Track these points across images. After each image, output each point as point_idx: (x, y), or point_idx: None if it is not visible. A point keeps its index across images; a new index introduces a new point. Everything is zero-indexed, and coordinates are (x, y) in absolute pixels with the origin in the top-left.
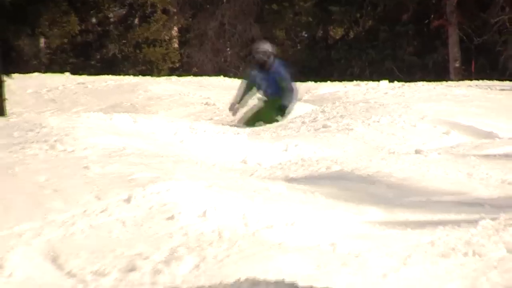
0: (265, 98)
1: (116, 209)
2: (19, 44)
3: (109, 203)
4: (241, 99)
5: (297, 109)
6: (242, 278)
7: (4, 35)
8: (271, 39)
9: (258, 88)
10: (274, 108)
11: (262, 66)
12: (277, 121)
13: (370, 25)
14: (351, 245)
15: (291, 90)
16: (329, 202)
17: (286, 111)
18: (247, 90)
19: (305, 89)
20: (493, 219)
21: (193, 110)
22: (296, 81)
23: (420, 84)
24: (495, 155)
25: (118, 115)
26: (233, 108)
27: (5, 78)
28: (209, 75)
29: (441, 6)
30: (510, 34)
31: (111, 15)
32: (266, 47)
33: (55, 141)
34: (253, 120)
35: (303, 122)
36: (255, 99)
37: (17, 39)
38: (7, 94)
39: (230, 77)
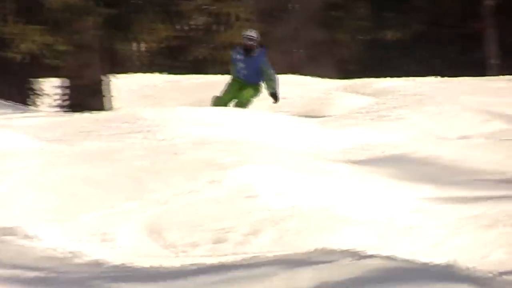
0: (242, 80)
1: (206, 189)
2: (123, 49)
3: (201, 184)
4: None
5: (357, 101)
6: (315, 248)
7: (110, 41)
8: (335, 41)
9: (238, 71)
10: (253, 92)
11: (248, 51)
12: (249, 103)
13: (419, 28)
14: (407, 218)
15: (275, 76)
16: (387, 181)
17: (276, 95)
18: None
19: (364, 84)
20: None
21: (268, 103)
22: (356, 77)
23: (462, 79)
24: None
25: (205, 109)
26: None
27: (111, 78)
28: (282, 73)
29: (480, 10)
30: None
31: (196, 23)
32: (254, 34)
33: (154, 131)
34: (227, 99)
35: (363, 113)
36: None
37: (121, 44)
38: (112, 92)
39: (300, 74)
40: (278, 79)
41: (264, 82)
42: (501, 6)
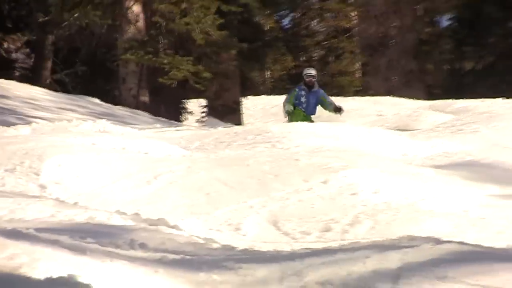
0: (303, 113)
1: (317, 188)
2: (252, 75)
3: (312, 184)
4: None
5: (440, 118)
6: (403, 235)
7: (242, 70)
8: (423, 70)
9: (298, 105)
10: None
11: (310, 87)
12: None
13: (491, 59)
14: (478, 211)
15: (330, 102)
16: (462, 182)
17: (340, 108)
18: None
19: (446, 104)
20: None
21: (369, 119)
22: (439, 99)
23: None
24: None
25: (319, 124)
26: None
27: (242, 99)
28: (381, 95)
29: None
30: None
31: (315, 54)
32: (314, 71)
33: (276, 141)
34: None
35: (444, 127)
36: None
37: (251, 72)
38: (243, 110)
39: (395, 96)
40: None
41: (326, 106)
42: None
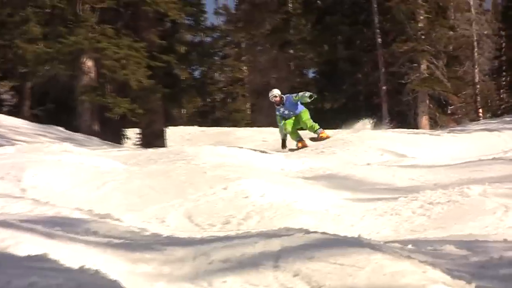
0: (292, 116)
1: (219, 192)
2: (172, 112)
3: (216, 190)
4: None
5: (308, 142)
6: (282, 227)
7: (165, 107)
8: None
9: (287, 117)
10: (303, 115)
11: (280, 103)
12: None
13: (343, 101)
14: (336, 210)
15: (304, 93)
16: (324, 189)
17: (312, 95)
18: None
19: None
20: (404, 196)
21: (257, 144)
22: None
23: (368, 131)
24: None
25: (220, 147)
26: (284, 145)
27: (166, 129)
28: (265, 126)
29: (379, 91)
30: None
31: (217, 97)
32: (275, 92)
33: (190, 159)
34: (295, 132)
35: (311, 150)
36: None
37: (172, 109)
38: (166, 136)
39: (276, 127)
40: (281, 129)
41: (302, 99)
42: (390, 89)
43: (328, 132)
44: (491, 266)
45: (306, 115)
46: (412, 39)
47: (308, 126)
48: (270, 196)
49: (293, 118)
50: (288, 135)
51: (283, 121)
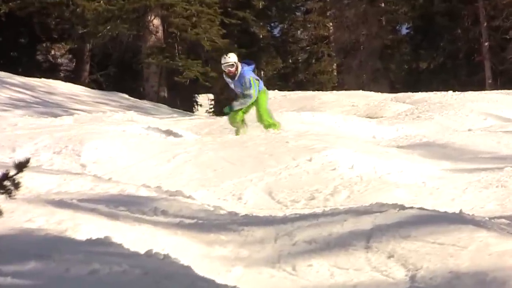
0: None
1: (303, 165)
2: None
3: (300, 161)
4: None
5: (402, 107)
6: (374, 202)
7: None
8: (387, 68)
9: (234, 90)
10: (261, 102)
11: (231, 76)
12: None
13: (442, 60)
14: (434, 182)
15: (249, 98)
16: (420, 159)
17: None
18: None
19: (406, 96)
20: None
21: (345, 109)
22: (401, 92)
23: (469, 92)
24: None
25: (304, 113)
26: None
27: None
28: (354, 89)
29: (481, 48)
30: None
31: (299, 58)
32: (230, 59)
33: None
34: (240, 115)
35: (405, 115)
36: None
37: None
38: None
39: (365, 90)
40: (248, 100)
41: (244, 93)
42: (492, 46)
43: (424, 94)
44: None
45: (263, 102)
46: None
47: (264, 122)
48: (360, 168)
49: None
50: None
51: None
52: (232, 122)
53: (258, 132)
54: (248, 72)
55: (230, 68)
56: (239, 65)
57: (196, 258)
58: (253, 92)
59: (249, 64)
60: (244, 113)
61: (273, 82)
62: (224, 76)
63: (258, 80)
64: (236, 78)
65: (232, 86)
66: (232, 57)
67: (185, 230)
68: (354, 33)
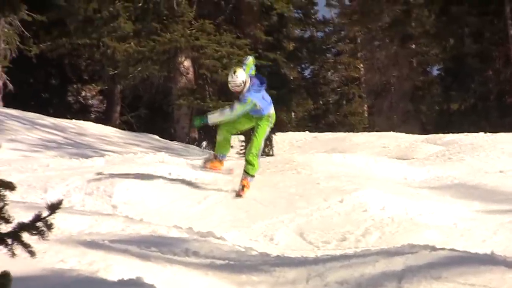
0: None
1: (334, 206)
2: (281, 116)
3: (331, 203)
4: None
5: (433, 149)
6: (405, 243)
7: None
8: (418, 110)
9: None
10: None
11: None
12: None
13: (473, 102)
14: (465, 223)
15: (230, 109)
16: (451, 200)
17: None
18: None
19: (437, 137)
20: None
21: (375, 150)
22: (432, 133)
23: (500, 134)
24: None
25: (335, 155)
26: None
27: (273, 135)
28: (385, 131)
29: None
30: None
31: (330, 99)
32: (238, 76)
33: (301, 169)
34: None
35: (436, 156)
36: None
37: (280, 113)
38: (274, 144)
39: (396, 132)
40: (226, 111)
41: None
42: None
43: (455, 136)
44: None
45: (263, 131)
46: None
47: (248, 156)
48: (391, 209)
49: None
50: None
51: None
52: (218, 138)
53: (290, 174)
54: (253, 94)
55: (236, 88)
56: (248, 82)
57: None
58: (238, 107)
59: (261, 82)
60: (228, 132)
61: (304, 123)
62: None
63: (267, 102)
64: (240, 97)
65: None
66: (240, 76)
67: (217, 271)
68: (384, 75)
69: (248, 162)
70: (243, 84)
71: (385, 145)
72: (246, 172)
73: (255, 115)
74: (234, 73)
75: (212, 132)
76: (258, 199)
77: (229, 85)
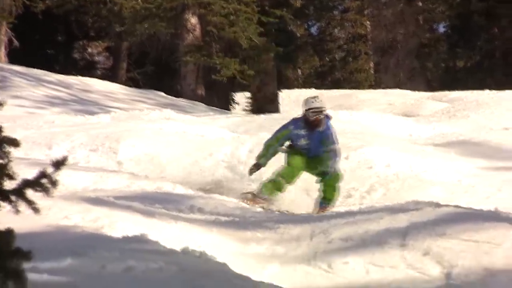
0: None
1: (340, 163)
2: (287, 73)
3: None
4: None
5: (438, 106)
6: (409, 200)
7: (278, 68)
8: (424, 67)
9: (298, 146)
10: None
11: (314, 126)
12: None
13: (478, 59)
14: (469, 180)
15: (338, 154)
16: (456, 157)
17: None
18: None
19: (442, 95)
20: None
21: (381, 107)
22: (437, 90)
23: (505, 91)
24: None
25: (341, 111)
26: (255, 170)
27: (279, 92)
28: (390, 88)
29: None
30: None
31: (336, 56)
32: (324, 104)
33: None
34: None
35: (441, 113)
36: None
37: (286, 70)
38: (280, 101)
39: (402, 89)
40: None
41: (329, 155)
42: None
43: (460, 93)
44: None
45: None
46: None
47: (327, 192)
48: (396, 166)
49: (306, 159)
50: (279, 178)
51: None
52: (287, 179)
53: None
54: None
55: (320, 116)
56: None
57: (231, 256)
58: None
59: (328, 118)
60: (288, 183)
61: (310, 80)
62: (295, 125)
63: None
64: (320, 129)
65: (303, 140)
66: (324, 102)
67: (221, 227)
68: (391, 32)
69: (329, 199)
70: (323, 111)
71: (391, 102)
72: (329, 203)
73: (310, 154)
74: (316, 97)
75: (218, 89)
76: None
77: (309, 112)
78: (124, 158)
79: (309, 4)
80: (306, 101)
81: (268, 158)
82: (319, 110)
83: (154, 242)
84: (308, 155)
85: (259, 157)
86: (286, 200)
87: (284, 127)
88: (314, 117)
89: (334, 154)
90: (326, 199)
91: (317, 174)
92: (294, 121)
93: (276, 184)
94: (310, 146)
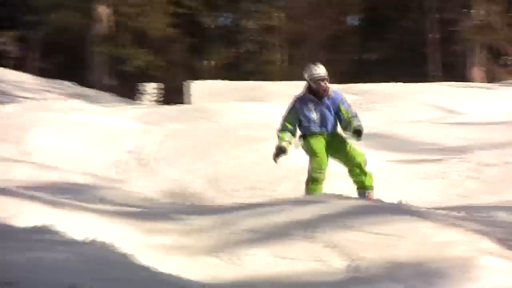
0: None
1: (248, 155)
2: (198, 65)
3: (244, 152)
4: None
5: (348, 98)
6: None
7: (191, 59)
8: (335, 59)
9: (307, 128)
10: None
11: (321, 95)
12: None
13: (389, 52)
14: (378, 173)
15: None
16: (367, 150)
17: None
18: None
19: (353, 87)
20: (456, 158)
21: (290, 99)
22: (348, 83)
23: (412, 84)
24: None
25: (249, 103)
26: (280, 155)
27: (189, 84)
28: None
29: (426, 39)
30: None
31: (248, 48)
32: (324, 71)
33: (215, 117)
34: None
35: (353, 106)
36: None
37: (197, 62)
38: (191, 92)
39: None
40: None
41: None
42: (439, 38)
43: (370, 85)
44: None
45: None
46: None
47: (357, 176)
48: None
49: (323, 137)
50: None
51: (288, 139)
52: (322, 168)
53: (203, 122)
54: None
55: (325, 83)
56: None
57: (137, 247)
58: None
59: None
60: (324, 169)
61: (221, 72)
62: (300, 102)
63: None
64: (328, 99)
65: (312, 115)
66: (323, 68)
67: (128, 218)
68: (303, 24)
69: (364, 183)
70: (327, 79)
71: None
72: (367, 189)
73: (323, 131)
74: (315, 64)
75: (128, 80)
76: (170, 147)
77: (311, 80)
78: (30, 148)
79: None
80: (309, 68)
81: (290, 141)
82: (323, 78)
83: (62, 233)
84: (325, 133)
85: (280, 141)
86: (194, 192)
87: (291, 108)
88: (317, 85)
89: (355, 115)
90: (366, 186)
91: (341, 160)
92: (298, 99)
93: (316, 181)
94: (323, 118)
